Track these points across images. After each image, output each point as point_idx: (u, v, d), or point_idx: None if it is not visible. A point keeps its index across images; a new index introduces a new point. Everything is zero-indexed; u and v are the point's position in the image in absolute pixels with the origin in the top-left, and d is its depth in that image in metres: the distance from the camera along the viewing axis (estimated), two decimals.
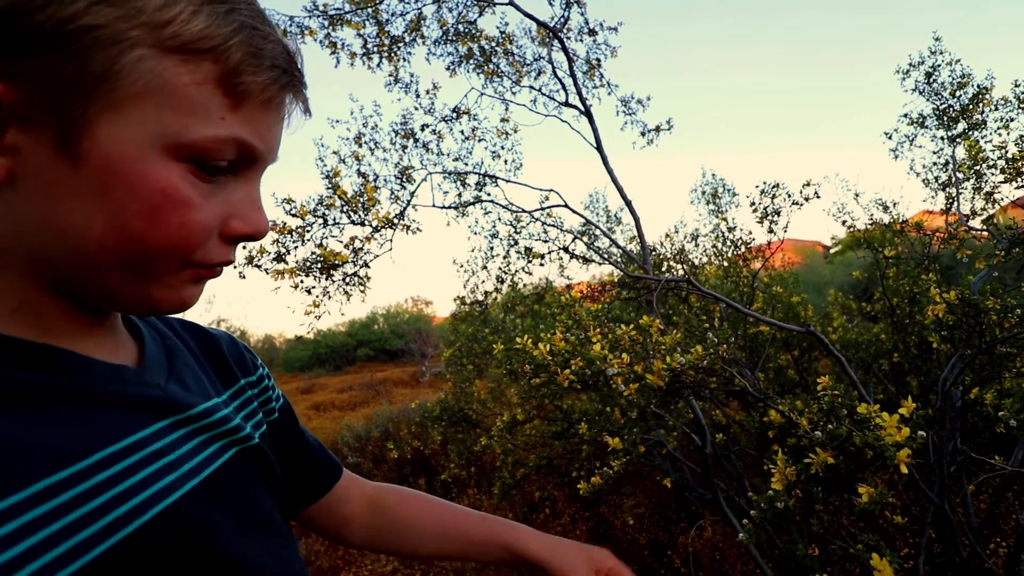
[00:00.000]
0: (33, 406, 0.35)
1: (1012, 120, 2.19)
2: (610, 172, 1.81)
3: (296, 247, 1.38)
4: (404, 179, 1.88)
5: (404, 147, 2.05)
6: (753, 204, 1.59)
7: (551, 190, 1.80)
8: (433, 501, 0.72)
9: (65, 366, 0.38)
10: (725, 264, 2.63)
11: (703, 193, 3.43)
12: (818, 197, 1.55)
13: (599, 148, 1.80)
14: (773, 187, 1.55)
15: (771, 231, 1.66)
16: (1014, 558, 1.65)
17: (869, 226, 1.93)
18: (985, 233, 2.16)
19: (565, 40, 1.88)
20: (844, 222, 1.93)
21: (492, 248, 2.02)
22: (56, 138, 0.34)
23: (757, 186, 1.51)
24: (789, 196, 1.55)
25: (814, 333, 1.49)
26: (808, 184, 1.53)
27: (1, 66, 0.32)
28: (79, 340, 0.41)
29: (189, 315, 0.62)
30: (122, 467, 0.37)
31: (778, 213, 1.60)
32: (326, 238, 1.42)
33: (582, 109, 1.83)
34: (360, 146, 1.98)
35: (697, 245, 3.07)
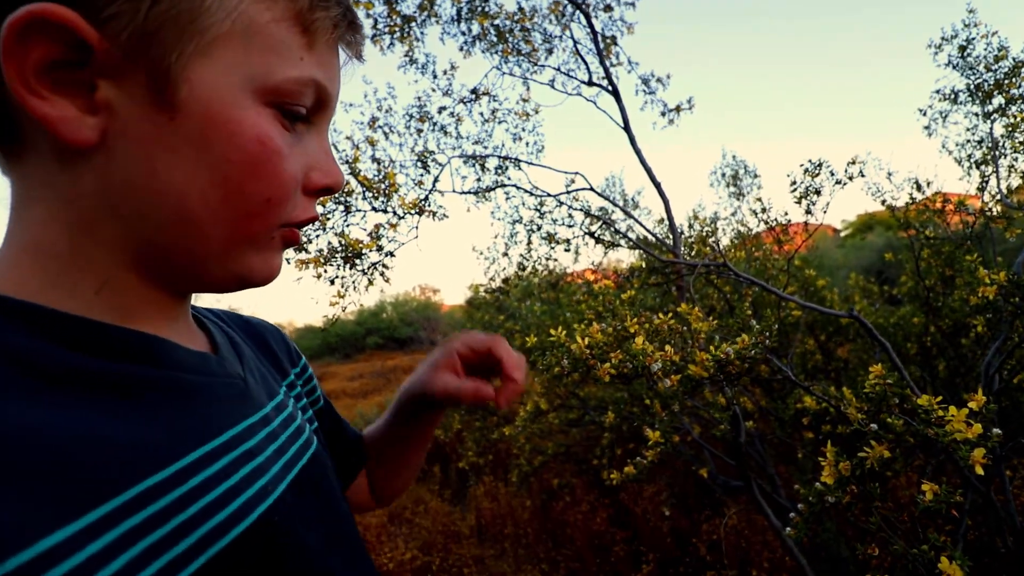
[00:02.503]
0: (124, 400, 0.32)
1: None
2: (638, 152, 1.74)
3: (318, 235, 1.33)
4: (424, 164, 1.82)
5: (420, 131, 1.98)
6: (794, 183, 1.51)
7: (576, 173, 1.73)
8: (376, 433, 0.70)
9: (155, 355, 0.35)
10: (753, 248, 2.56)
11: (723, 175, 3.34)
12: (863, 176, 1.47)
13: (627, 127, 1.73)
14: (817, 165, 1.48)
15: (808, 212, 1.59)
16: None
17: (909, 205, 1.86)
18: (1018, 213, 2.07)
19: (589, 14, 1.80)
20: (883, 201, 1.85)
21: (515, 233, 1.96)
22: (151, 89, 0.31)
23: (801, 164, 1.43)
24: (833, 175, 1.47)
25: (858, 318, 1.43)
26: (853, 162, 1.46)
27: (90, 12, 0.30)
28: (162, 325, 0.38)
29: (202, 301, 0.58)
30: (218, 468, 0.34)
31: (818, 192, 1.53)
32: (348, 226, 1.37)
33: (608, 87, 1.75)
34: (374, 131, 1.92)
35: (717, 228, 2.99)
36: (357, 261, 1.23)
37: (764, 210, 1.84)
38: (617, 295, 1.28)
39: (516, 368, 0.56)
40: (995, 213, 2.03)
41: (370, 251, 1.26)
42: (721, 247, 1.82)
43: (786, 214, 1.92)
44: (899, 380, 1.14)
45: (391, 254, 1.29)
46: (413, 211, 1.27)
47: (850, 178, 1.53)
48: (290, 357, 0.60)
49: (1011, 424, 2.14)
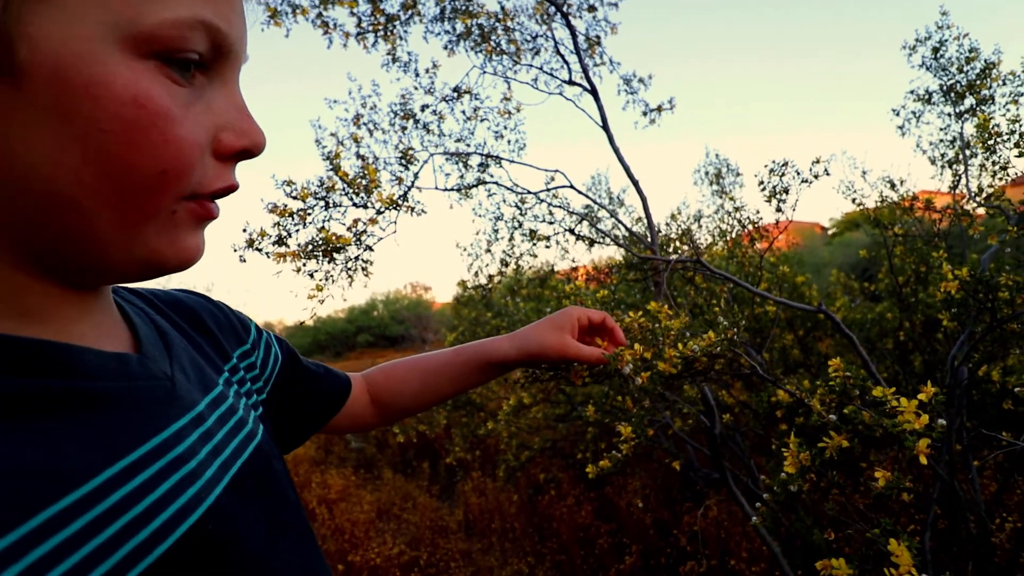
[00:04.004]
0: (26, 417, 0.28)
1: (1022, 95, 2.16)
2: (616, 151, 1.78)
3: (298, 230, 1.35)
4: (406, 160, 1.85)
5: (404, 128, 2.01)
6: (762, 183, 1.56)
7: (556, 170, 1.77)
8: (410, 360, 0.76)
9: (59, 363, 0.31)
10: (730, 245, 2.61)
11: (706, 174, 3.39)
12: (827, 174, 1.52)
13: (605, 126, 1.76)
14: (782, 165, 1.52)
15: (779, 210, 1.63)
16: (1021, 532, 1.65)
17: (879, 204, 1.91)
18: (981, 211, 2.13)
19: (570, 16, 1.83)
20: (854, 200, 1.90)
21: (497, 231, 1.99)
22: None
23: (766, 165, 1.47)
24: (799, 174, 1.52)
25: (826, 312, 1.48)
26: (817, 161, 1.50)
27: None
28: (70, 325, 0.34)
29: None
30: (140, 482, 0.31)
31: (787, 191, 1.57)
32: (328, 220, 1.40)
33: (588, 87, 1.79)
34: (359, 127, 1.94)
35: (700, 226, 3.04)
36: (336, 255, 1.26)
37: (737, 209, 1.88)
38: (592, 293, 1.32)
39: (624, 338, 0.76)
40: (964, 211, 2.09)
41: (349, 245, 1.28)
42: (698, 243, 1.86)
43: (757, 211, 1.97)
44: (860, 373, 1.19)
45: (370, 248, 1.32)
46: (390, 207, 1.30)
47: (815, 176, 1.58)
48: (236, 334, 0.56)
49: (982, 416, 2.21)
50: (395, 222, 1.35)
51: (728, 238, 2.98)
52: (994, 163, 2.28)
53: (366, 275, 1.39)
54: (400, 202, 1.30)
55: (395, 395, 0.74)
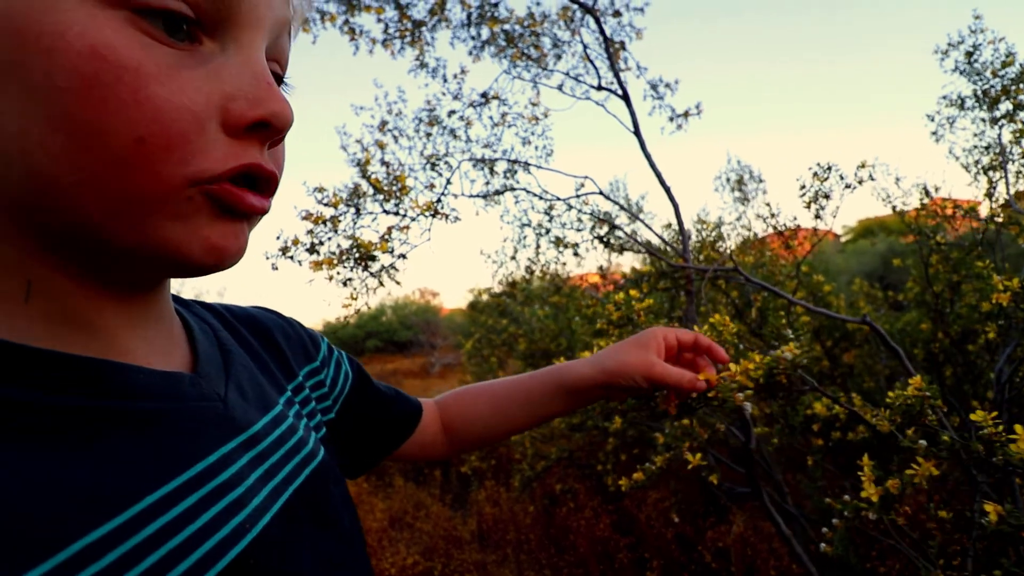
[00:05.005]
0: (69, 438, 0.26)
1: None
2: (648, 157, 1.74)
3: (329, 238, 1.32)
4: (434, 166, 1.82)
5: (429, 134, 1.98)
6: (803, 187, 1.51)
7: (586, 177, 1.73)
8: (483, 386, 0.72)
9: (105, 382, 0.29)
10: (759, 252, 2.56)
11: (728, 180, 3.34)
12: (872, 179, 1.47)
13: (637, 132, 1.73)
14: (826, 169, 1.47)
15: (818, 216, 1.59)
16: None
17: (919, 210, 1.86)
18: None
19: (601, 20, 1.80)
20: (894, 208, 1.85)
21: (524, 237, 1.96)
22: None
23: (809, 168, 1.43)
24: (842, 179, 1.47)
25: (871, 324, 1.42)
26: (863, 166, 1.46)
27: None
28: (118, 337, 0.32)
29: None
30: (181, 510, 0.30)
31: (828, 197, 1.53)
32: (360, 228, 1.37)
33: (619, 92, 1.75)
34: (384, 134, 1.92)
35: (723, 235, 3.00)
36: (370, 263, 1.23)
37: (773, 215, 1.84)
38: (630, 302, 1.27)
39: (725, 355, 0.66)
40: (1003, 219, 2.03)
41: (382, 253, 1.25)
42: (730, 252, 1.82)
43: (795, 219, 1.92)
44: (936, 390, 1.10)
45: (403, 256, 1.29)
46: (427, 213, 1.27)
47: (859, 182, 1.53)
48: (305, 351, 0.55)
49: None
50: (429, 229, 1.32)
51: (752, 244, 2.92)
52: None
53: (396, 283, 1.36)
54: (438, 208, 1.27)
55: (464, 421, 0.70)
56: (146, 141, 0.26)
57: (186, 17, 0.27)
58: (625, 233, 1.86)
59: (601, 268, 2.02)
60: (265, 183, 0.32)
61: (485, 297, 2.70)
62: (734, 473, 3.08)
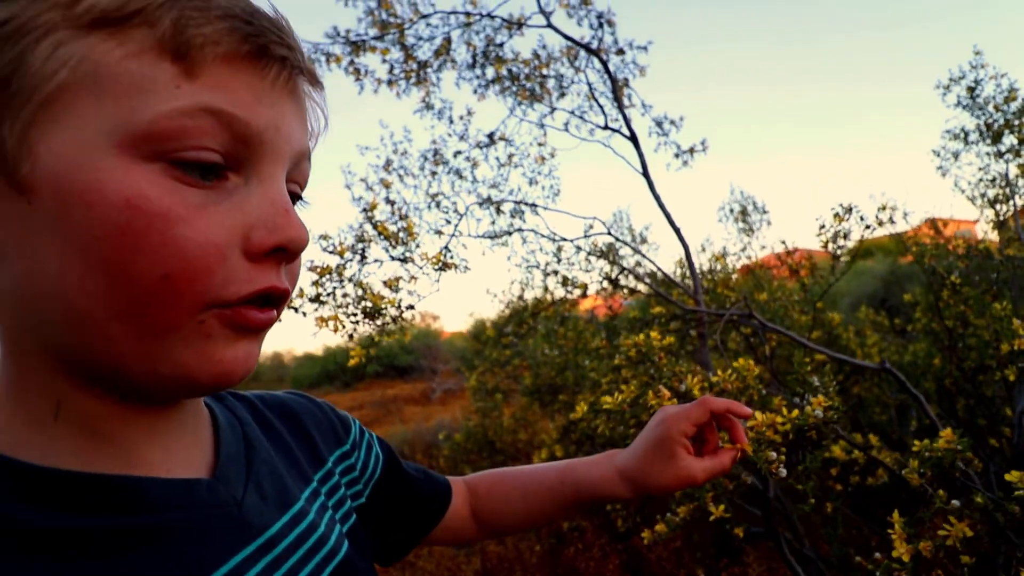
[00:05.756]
0: (85, 557, 0.28)
1: None
2: (657, 198, 1.73)
3: (335, 288, 1.29)
4: (438, 204, 1.80)
5: (434, 173, 1.97)
6: (822, 226, 1.49)
7: (594, 218, 1.71)
8: (516, 477, 0.69)
9: (121, 498, 0.31)
10: (763, 280, 2.53)
11: (732, 211, 3.34)
12: (892, 222, 1.45)
13: (645, 174, 1.71)
14: (847, 210, 1.46)
15: (836, 257, 1.57)
16: None
17: (929, 249, 1.84)
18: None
19: (607, 62, 1.80)
20: (908, 247, 1.83)
21: (531, 278, 1.93)
22: (2, 173, 0.28)
23: (832, 209, 1.41)
24: (863, 220, 1.45)
25: (891, 370, 1.39)
26: (883, 208, 1.44)
27: None
28: (138, 449, 0.34)
29: None
30: None
31: (847, 236, 1.51)
32: (367, 275, 1.34)
33: (627, 134, 1.75)
34: (389, 173, 1.90)
35: (730, 268, 2.99)
36: (377, 316, 1.20)
37: (789, 253, 1.81)
38: (651, 343, 1.23)
39: (748, 411, 0.62)
40: (1014, 252, 2.01)
41: (391, 306, 1.22)
42: (744, 295, 1.79)
43: (810, 257, 1.89)
44: (967, 444, 1.04)
45: (411, 307, 1.26)
46: (437, 266, 1.24)
47: (879, 223, 1.51)
48: (336, 435, 0.56)
49: None
50: (438, 280, 1.29)
51: (756, 268, 2.90)
52: None
53: (403, 334, 1.32)
54: (448, 261, 1.24)
55: (497, 515, 0.68)
56: (171, 277, 0.29)
57: (214, 162, 0.30)
58: (636, 275, 1.83)
59: (602, 290, 1.97)
60: (278, 299, 0.35)
61: (490, 331, 2.68)
62: (749, 514, 3.00)
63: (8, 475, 0.29)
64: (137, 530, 0.31)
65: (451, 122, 1.90)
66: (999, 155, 2.39)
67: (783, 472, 0.68)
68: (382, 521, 0.58)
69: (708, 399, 0.62)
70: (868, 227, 1.41)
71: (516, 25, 1.99)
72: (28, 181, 0.27)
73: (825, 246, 1.49)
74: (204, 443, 0.40)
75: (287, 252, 0.33)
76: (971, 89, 2.40)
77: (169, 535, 0.32)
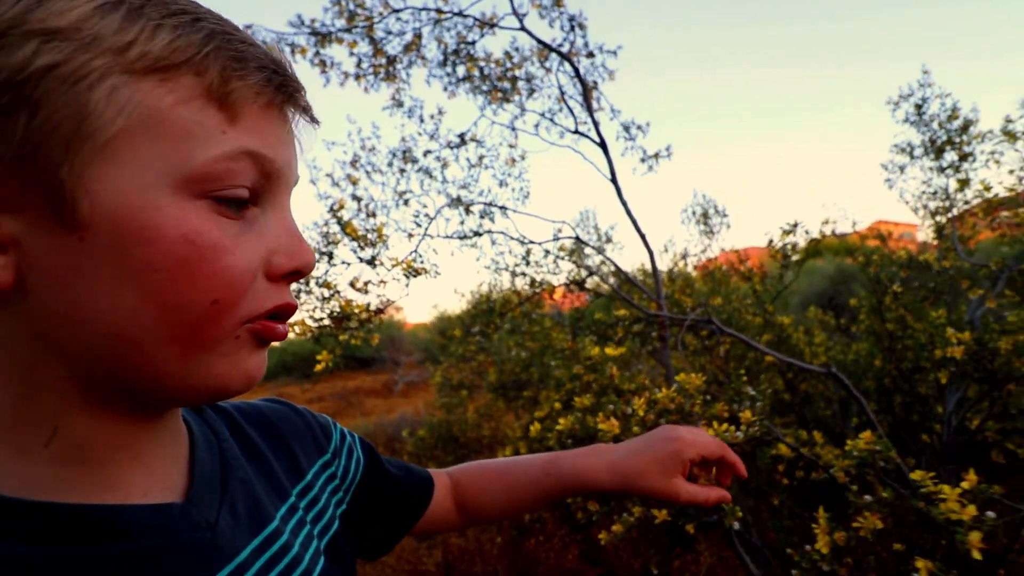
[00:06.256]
0: None
1: (1002, 154, 2.25)
2: (624, 205, 1.77)
3: (300, 290, 1.27)
4: (407, 203, 1.79)
5: (403, 171, 1.95)
6: (771, 241, 1.56)
7: (563, 222, 1.74)
8: (499, 469, 0.72)
9: (102, 528, 0.32)
10: (719, 280, 2.62)
11: (693, 213, 3.44)
12: (835, 235, 1.54)
13: (614, 180, 1.75)
14: (793, 225, 1.53)
15: (785, 266, 1.64)
16: None
17: (873, 258, 1.96)
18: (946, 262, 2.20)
19: (577, 66, 1.82)
20: (857, 259, 1.94)
21: (499, 280, 1.94)
22: (52, 212, 0.29)
23: (781, 227, 1.48)
24: (808, 233, 1.53)
25: (837, 375, 1.48)
26: (827, 222, 1.53)
27: None
28: (122, 467, 0.35)
29: None
30: None
31: (795, 248, 1.59)
32: (334, 277, 1.32)
33: (596, 140, 1.77)
34: (356, 169, 1.87)
35: (687, 263, 3.06)
36: (345, 322, 1.19)
37: (743, 264, 1.89)
38: (606, 360, 1.28)
39: (743, 470, 0.66)
40: (948, 264, 2.15)
41: (361, 311, 1.21)
42: (702, 300, 1.85)
43: (762, 266, 1.98)
44: (886, 444, 1.16)
45: (380, 311, 1.25)
46: (409, 272, 1.23)
47: (823, 236, 1.60)
48: (317, 444, 0.56)
49: (970, 465, 2.26)
50: (407, 285, 1.29)
51: (710, 265, 3.00)
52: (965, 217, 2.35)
53: (370, 338, 1.32)
54: (419, 267, 1.23)
55: (480, 505, 0.71)
56: (219, 301, 0.32)
57: (245, 198, 0.34)
58: (600, 277, 1.87)
59: (568, 291, 2.01)
60: (289, 315, 0.39)
61: (458, 332, 2.69)
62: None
63: None
64: (112, 558, 0.32)
65: (421, 121, 1.88)
66: (941, 170, 2.54)
67: (737, 526, 0.74)
68: (364, 520, 0.59)
69: (727, 450, 0.66)
70: (813, 239, 1.50)
71: (488, 25, 1.98)
72: (84, 220, 0.29)
73: (774, 257, 1.57)
74: (181, 460, 0.41)
75: (300, 274, 0.38)
76: (918, 106, 2.55)
77: (143, 562, 0.33)
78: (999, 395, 1.73)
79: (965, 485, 1.00)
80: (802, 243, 1.61)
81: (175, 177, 0.30)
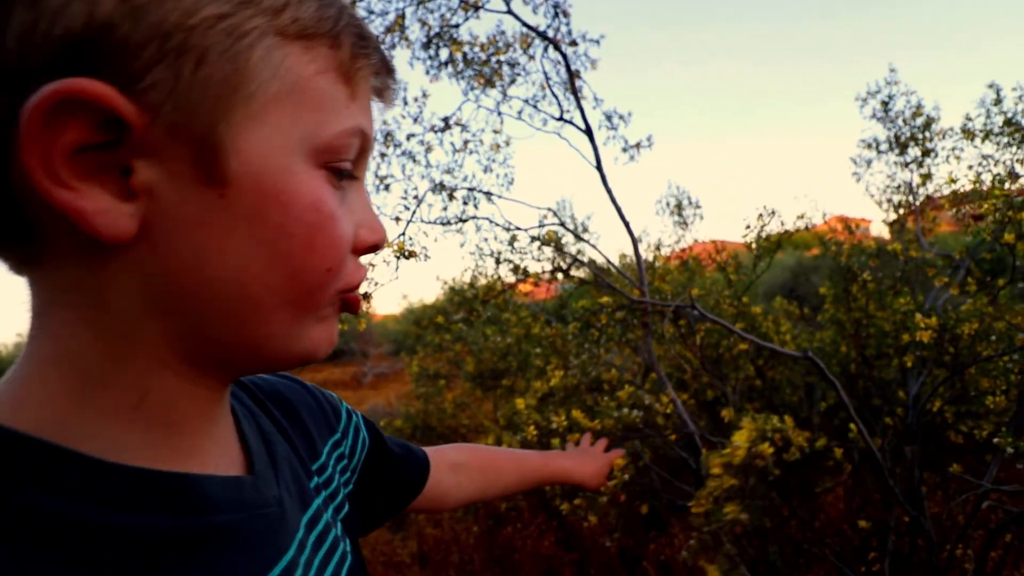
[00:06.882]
0: (147, 562, 0.28)
1: (962, 150, 2.36)
2: (610, 192, 1.78)
3: None
4: (387, 188, 1.76)
5: (383, 154, 1.91)
6: (748, 227, 1.61)
7: (549, 209, 1.74)
8: (492, 454, 0.83)
9: (185, 498, 0.31)
10: (695, 271, 2.67)
11: (668, 204, 3.49)
12: (807, 229, 1.59)
13: (599, 167, 1.76)
14: (770, 213, 1.58)
15: (759, 257, 1.69)
16: (980, 557, 1.77)
17: (843, 246, 2.04)
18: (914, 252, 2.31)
19: (563, 51, 1.82)
20: (827, 248, 2.01)
21: (483, 266, 1.93)
22: (197, 164, 0.28)
23: (756, 210, 1.53)
24: (783, 224, 1.58)
25: (813, 359, 1.53)
26: (801, 216, 1.58)
27: (125, 83, 0.26)
28: (199, 434, 0.35)
29: None
30: None
31: (768, 238, 1.64)
32: None
33: (583, 127, 1.78)
34: None
35: (660, 251, 3.11)
36: None
37: (721, 255, 1.93)
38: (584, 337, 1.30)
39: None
40: (913, 254, 2.24)
41: None
42: (683, 287, 1.89)
43: (737, 257, 2.03)
44: (823, 442, 1.26)
45: (367, 295, 1.22)
46: (400, 254, 1.21)
47: (796, 230, 1.64)
48: (328, 423, 0.55)
49: (929, 444, 2.39)
50: (397, 268, 1.26)
51: (685, 255, 3.06)
52: (927, 209, 2.46)
53: (360, 322, 1.29)
54: (410, 249, 1.21)
55: (480, 487, 0.78)
56: (332, 270, 0.33)
57: (348, 170, 0.34)
58: (581, 263, 1.88)
59: (551, 279, 2.02)
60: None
61: (440, 319, 2.67)
62: (675, 487, 3.21)
63: (73, 470, 0.28)
64: (200, 534, 0.31)
65: (405, 103, 1.85)
66: (905, 165, 2.65)
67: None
68: (365, 498, 0.59)
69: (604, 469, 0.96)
70: (787, 231, 1.55)
71: (473, 7, 1.95)
72: (229, 177, 0.28)
73: (749, 247, 1.61)
74: (234, 436, 0.40)
75: (376, 249, 0.38)
76: (885, 103, 2.64)
77: (225, 538, 0.32)
78: (959, 379, 1.82)
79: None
80: (776, 232, 1.65)
81: (309, 145, 0.31)
